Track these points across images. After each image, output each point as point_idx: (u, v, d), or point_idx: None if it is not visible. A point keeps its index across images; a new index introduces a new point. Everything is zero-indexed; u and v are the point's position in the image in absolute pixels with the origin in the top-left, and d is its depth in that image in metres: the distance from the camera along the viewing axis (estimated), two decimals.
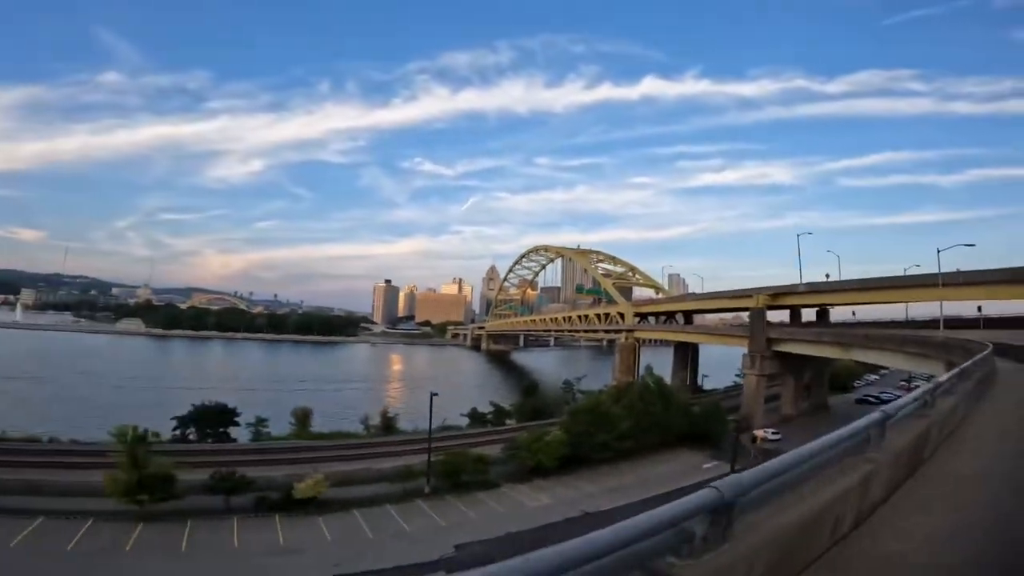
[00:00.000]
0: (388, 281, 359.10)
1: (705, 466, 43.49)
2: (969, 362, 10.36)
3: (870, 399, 60.38)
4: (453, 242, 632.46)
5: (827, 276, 57.77)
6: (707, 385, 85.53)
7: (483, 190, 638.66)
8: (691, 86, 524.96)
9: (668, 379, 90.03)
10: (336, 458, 36.41)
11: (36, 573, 21.14)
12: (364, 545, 25.38)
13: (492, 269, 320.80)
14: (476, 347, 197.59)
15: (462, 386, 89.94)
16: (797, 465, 3.30)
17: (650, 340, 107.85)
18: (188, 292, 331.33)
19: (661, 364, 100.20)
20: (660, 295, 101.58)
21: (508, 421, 56.05)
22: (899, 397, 6.37)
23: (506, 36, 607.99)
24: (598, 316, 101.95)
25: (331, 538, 26.07)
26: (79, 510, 25.58)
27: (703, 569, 2.42)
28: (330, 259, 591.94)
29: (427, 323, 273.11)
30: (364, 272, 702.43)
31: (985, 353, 13.71)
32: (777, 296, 58.88)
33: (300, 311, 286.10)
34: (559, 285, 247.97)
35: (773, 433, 50.34)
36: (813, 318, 67.27)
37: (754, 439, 50.64)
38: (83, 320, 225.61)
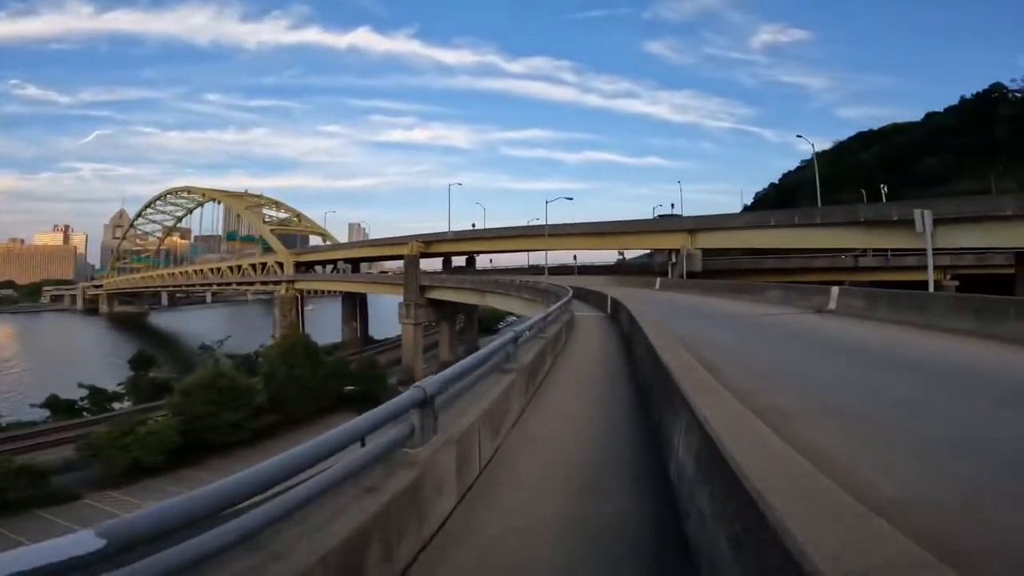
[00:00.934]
0: None
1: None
2: (556, 306, 12.74)
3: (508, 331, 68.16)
4: (64, 182, 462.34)
5: (473, 225, 60.97)
6: (379, 335, 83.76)
7: (117, 122, 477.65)
8: (402, 44, 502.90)
9: (339, 330, 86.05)
10: None
11: None
12: None
13: (121, 215, 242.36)
14: (93, 310, 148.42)
15: (60, 365, 62.81)
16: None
17: (324, 292, 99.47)
18: None
19: (333, 316, 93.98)
20: (327, 243, 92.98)
21: (119, 405, 43.27)
22: None
23: None
24: (253, 267, 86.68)
25: None
26: None
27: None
28: None
29: (9, 284, 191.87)
30: None
31: (568, 298, 15.76)
32: (430, 244, 59.10)
33: None
34: (221, 233, 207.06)
35: None
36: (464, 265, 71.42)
37: None
38: None
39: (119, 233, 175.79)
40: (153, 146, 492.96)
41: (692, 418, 3.32)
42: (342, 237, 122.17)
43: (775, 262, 47.80)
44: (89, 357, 72.93)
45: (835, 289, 16.29)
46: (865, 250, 43.48)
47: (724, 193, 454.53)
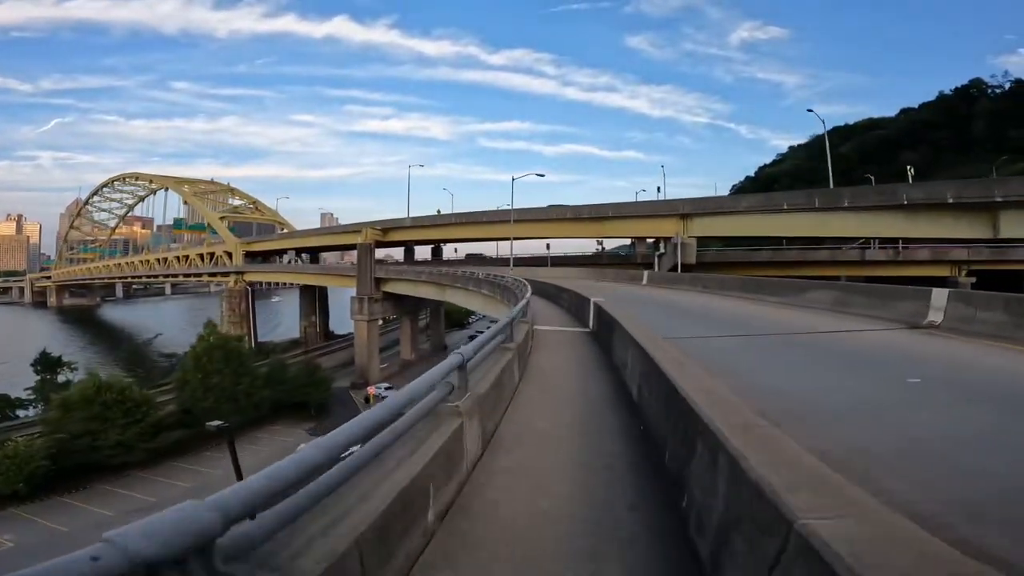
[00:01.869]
0: None
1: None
2: (518, 307, 9.80)
3: (480, 333, 61.28)
4: (23, 170, 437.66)
5: (439, 211, 53.86)
6: (343, 330, 75.70)
7: (79, 110, 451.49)
8: (380, 34, 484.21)
9: (297, 325, 77.75)
10: None
11: None
12: None
13: (77, 203, 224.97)
14: (42, 303, 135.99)
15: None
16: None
17: (291, 284, 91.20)
18: None
19: (293, 310, 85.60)
20: (285, 231, 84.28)
21: (24, 413, 37.44)
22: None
23: None
24: (201, 256, 77.70)
25: None
26: None
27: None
28: None
29: None
30: None
31: (528, 296, 12.41)
32: (387, 231, 51.77)
33: None
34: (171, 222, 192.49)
35: (387, 388, 43.63)
36: (429, 257, 64.10)
37: (367, 398, 42.98)
38: None
39: (78, 222, 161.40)
40: (116, 134, 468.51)
41: None
42: (312, 227, 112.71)
43: (770, 254, 41.80)
44: (16, 351, 63.62)
45: (941, 292, 10.00)
46: (870, 241, 37.92)
47: (699, 188, 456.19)
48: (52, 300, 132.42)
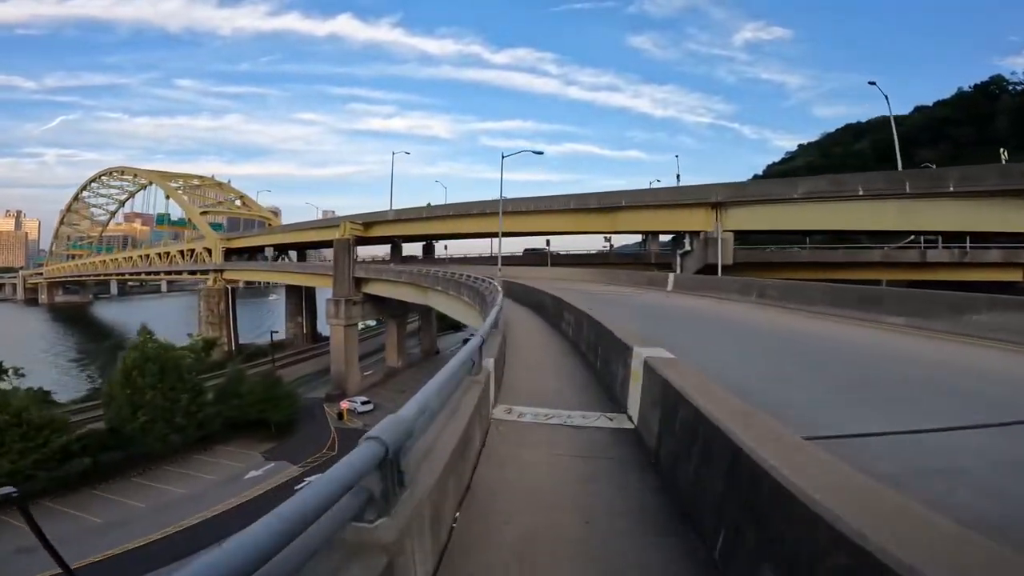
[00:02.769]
0: None
1: (252, 473, 27.60)
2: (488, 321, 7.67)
3: (474, 334, 54.94)
4: (26, 167, 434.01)
5: (428, 204, 47.67)
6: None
7: (83, 108, 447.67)
8: (384, 33, 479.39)
9: (283, 326, 71.83)
10: None
11: None
12: None
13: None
14: (35, 300, 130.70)
15: None
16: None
17: (274, 283, 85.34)
18: None
19: (281, 310, 79.80)
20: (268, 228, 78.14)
21: None
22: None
23: None
24: (182, 253, 71.80)
25: None
26: None
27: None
28: None
29: None
30: None
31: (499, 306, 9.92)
32: (369, 226, 45.62)
33: None
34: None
35: (363, 403, 37.52)
36: (420, 254, 57.75)
37: (340, 414, 36.89)
38: None
39: (68, 219, 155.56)
40: (120, 132, 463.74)
41: None
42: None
43: (810, 254, 35.27)
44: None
45: None
46: (935, 239, 31.61)
47: None
48: (44, 297, 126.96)
